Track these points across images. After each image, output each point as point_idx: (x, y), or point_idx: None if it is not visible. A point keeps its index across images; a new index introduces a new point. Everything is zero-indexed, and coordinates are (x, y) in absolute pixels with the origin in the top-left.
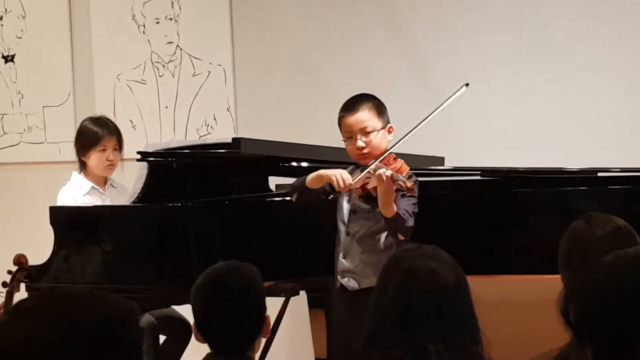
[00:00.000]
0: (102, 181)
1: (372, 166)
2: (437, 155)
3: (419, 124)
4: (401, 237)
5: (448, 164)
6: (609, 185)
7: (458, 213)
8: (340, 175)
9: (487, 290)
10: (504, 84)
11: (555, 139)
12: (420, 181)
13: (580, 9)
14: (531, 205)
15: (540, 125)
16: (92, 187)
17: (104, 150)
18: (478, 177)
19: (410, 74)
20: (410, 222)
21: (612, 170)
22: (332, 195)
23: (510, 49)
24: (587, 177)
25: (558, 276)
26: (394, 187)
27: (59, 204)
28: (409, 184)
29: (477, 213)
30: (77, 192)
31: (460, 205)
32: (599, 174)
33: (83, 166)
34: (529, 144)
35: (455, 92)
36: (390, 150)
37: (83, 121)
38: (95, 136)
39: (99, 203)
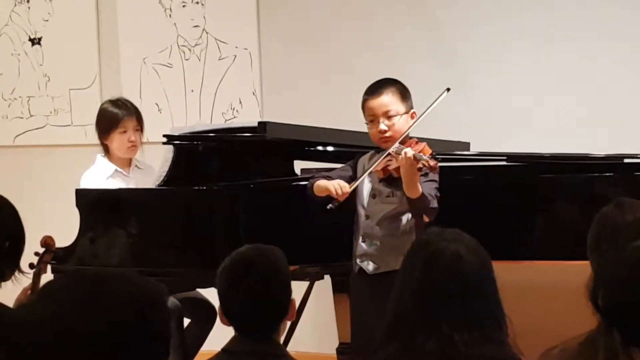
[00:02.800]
0: (127, 163)
1: (393, 148)
2: (462, 140)
3: (409, 127)
4: (426, 219)
5: (474, 149)
6: (636, 171)
7: (484, 198)
8: (337, 185)
9: (514, 276)
10: (531, 69)
11: (582, 125)
12: (446, 166)
13: None
14: (557, 190)
15: (567, 111)
16: (116, 170)
17: (124, 131)
18: (504, 163)
19: (434, 57)
20: (435, 204)
21: (639, 156)
22: (330, 205)
23: (536, 32)
24: (614, 163)
25: (585, 262)
26: (417, 166)
27: (82, 187)
28: (432, 162)
29: (503, 199)
30: (100, 175)
31: (486, 190)
32: (626, 160)
33: (106, 150)
34: (555, 129)
35: (438, 97)
36: (407, 133)
37: (102, 104)
38: (114, 118)
39: (122, 186)
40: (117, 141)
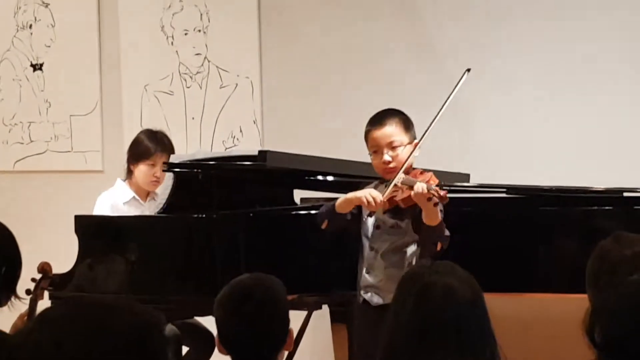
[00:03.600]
0: (145, 193)
1: (399, 179)
2: (462, 172)
3: (432, 122)
4: (439, 247)
5: (473, 181)
6: (635, 205)
7: (483, 230)
8: (370, 196)
9: (512, 308)
10: (531, 101)
11: (582, 158)
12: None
13: (611, 28)
14: (556, 223)
15: (567, 144)
16: (134, 198)
17: (153, 165)
18: (503, 195)
19: (434, 89)
20: (447, 232)
21: (639, 190)
22: (367, 215)
23: (536, 65)
24: (613, 197)
25: (582, 295)
26: (427, 197)
27: (96, 208)
28: (442, 192)
29: (503, 231)
30: (117, 199)
31: (485, 222)
32: (625, 194)
33: (129, 174)
34: (555, 162)
35: (459, 81)
36: (409, 162)
37: (141, 131)
38: (147, 151)
39: (137, 214)
40: (143, 172)
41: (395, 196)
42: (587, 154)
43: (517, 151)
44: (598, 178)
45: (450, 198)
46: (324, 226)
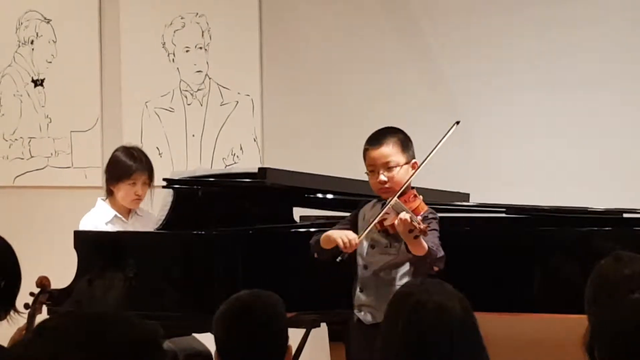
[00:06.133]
0: (126, 210)
1: (392, 201)
2: (462, 191)
3: (419, 167)
4: (436, 269)
5: (473, 201)
6: (635, 226)
7: (482, 250)
8: (346, 237)
9: (510, 328)
10: (531, 121)
11: (582, 178)
12: (444, 217)
13: (616, 49)
14: (556, 244)
15: (567, 164)
16: (115, 216)
17: (133, 184)
18: (503, 215)
19: (436, 108)
20: (441, 253)
21: (639, 211)
22: (340, 257)
23: (537, 85)
24: (613, 218)
25: (581, 316)
26: (409, 229)
27: (80, 230)
28: (422, 226)
29: (502, 250)
30: (99, 219)
31: (484, 242)
32: (625, 215)
33: (110, 194)
34: (555, 182)
35: (448, 132)
36: (408, 183)
37: (116, 150)
38: (127, 170)
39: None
40: (124, 191)
41: (385, 220)
42: (588, 173)
43: (517, 171)
44: (599, 198)
45: (450, 217)
46: (315, 256)
